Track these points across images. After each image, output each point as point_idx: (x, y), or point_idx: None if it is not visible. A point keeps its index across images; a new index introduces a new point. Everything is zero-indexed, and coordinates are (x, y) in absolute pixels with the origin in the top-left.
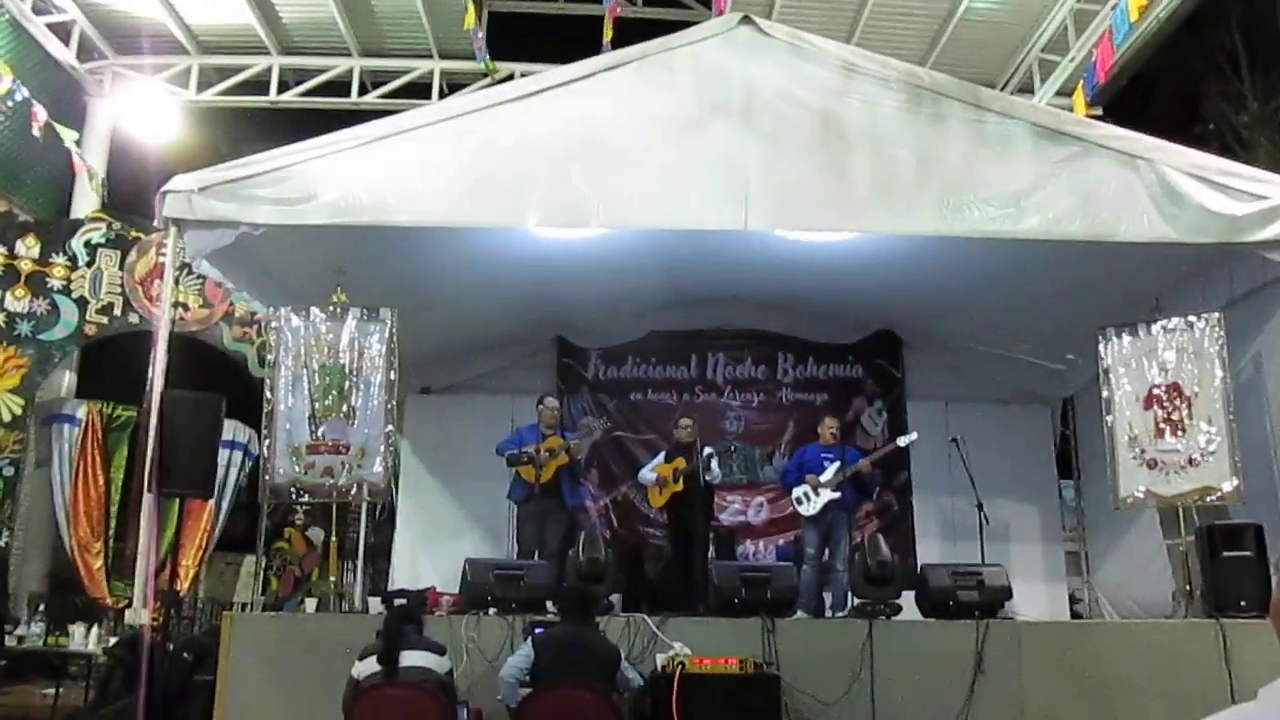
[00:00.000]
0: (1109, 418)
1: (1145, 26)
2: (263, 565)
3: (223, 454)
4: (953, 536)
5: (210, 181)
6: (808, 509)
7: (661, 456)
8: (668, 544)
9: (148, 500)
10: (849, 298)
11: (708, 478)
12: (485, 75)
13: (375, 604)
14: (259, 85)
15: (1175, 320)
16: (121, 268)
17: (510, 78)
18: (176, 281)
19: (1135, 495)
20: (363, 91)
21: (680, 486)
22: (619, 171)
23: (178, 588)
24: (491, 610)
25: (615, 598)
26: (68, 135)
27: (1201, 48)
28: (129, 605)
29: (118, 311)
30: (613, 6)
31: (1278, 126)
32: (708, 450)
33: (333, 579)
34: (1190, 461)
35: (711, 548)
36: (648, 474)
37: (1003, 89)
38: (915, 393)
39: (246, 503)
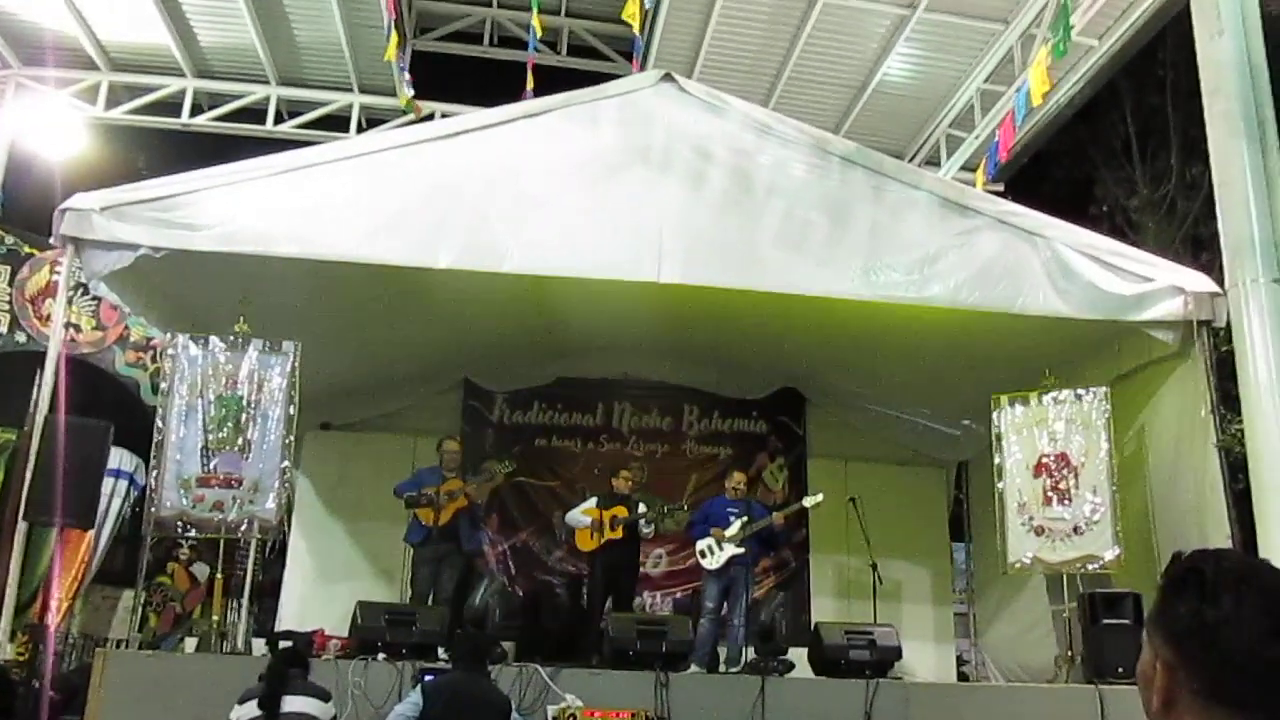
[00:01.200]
0: (1000, 484)
1: (1045, 110)
2: (142, 600)
3: (107, 482)
4: (847, 594)
5: (112, 202)
6: (711, 562)
7: (593, 501)
8: (565, 593)
9: (22, 529)
10: (755, 354)
11: (645, 532)
12: (405, 113)
13: (259, 645)
14: (171, 107)
15: (1065, 392)
16: (11, 284)
17: (431, 117)
18: (70, 301)
19: (1023, 560)
20: (279, 120)
21: (617, 535)
22: (536, 217)
23: (48, 622)
24: (381, 655)
25: (509, 645)
26: None
27: (1097, 134)
28: None
29: (3, 329)
30: (530, 59)
31: (1165, 212)
32: (643, 506)
33: (215, 618)
34: (1075, 530)
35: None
36: (580, 516)
37: (911, 160)
38: (816, 450)
39: (129, 534)
